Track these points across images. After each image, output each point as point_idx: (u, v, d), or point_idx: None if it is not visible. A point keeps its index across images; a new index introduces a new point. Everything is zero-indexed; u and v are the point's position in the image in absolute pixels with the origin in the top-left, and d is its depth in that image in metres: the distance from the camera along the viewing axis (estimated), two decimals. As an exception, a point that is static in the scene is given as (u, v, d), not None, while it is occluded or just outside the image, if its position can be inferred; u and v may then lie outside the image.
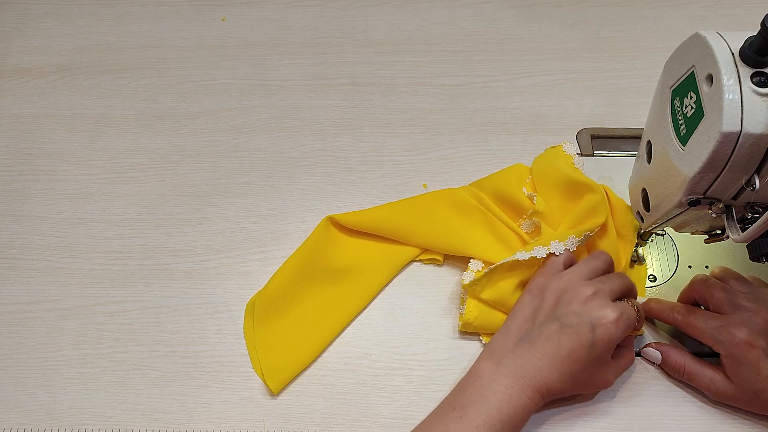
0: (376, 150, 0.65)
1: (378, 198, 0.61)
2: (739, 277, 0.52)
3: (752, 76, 0.38)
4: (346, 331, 0.56)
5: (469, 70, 0.69)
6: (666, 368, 0.52)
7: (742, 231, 0.43)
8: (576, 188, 0.56)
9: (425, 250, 0.58)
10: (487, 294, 0.53)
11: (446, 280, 0.58)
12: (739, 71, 0.38)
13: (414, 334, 0.55)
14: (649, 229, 0.53)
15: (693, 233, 0.52)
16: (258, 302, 0.56)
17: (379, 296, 0.57)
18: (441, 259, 0.58)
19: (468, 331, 0.54)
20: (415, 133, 0.65)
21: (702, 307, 0.52)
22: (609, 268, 0.53)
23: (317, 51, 0.71)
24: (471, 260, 0.55)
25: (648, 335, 0.54)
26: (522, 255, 0.52)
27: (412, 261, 0.58)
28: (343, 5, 0.74)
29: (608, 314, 0.47)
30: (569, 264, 0.53)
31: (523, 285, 0.53)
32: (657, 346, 0.52)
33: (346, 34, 0.72)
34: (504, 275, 0.53)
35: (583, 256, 0.54)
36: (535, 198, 0.56)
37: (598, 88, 0.68)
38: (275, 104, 0.68)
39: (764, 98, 0.38)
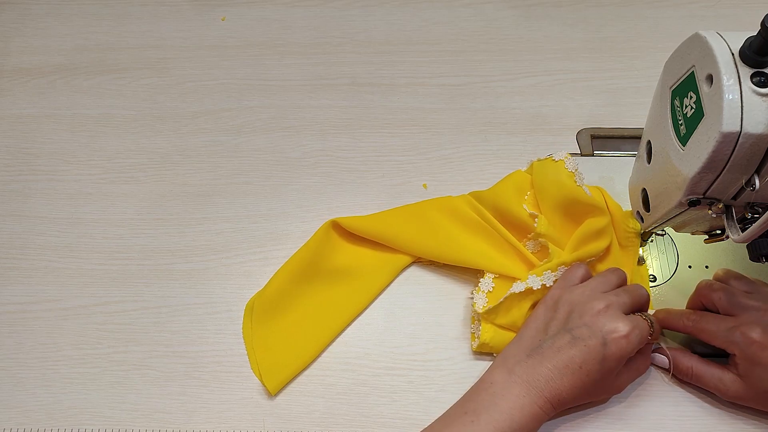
0: (376, 150, 0.65)
1: (378, 198, 0.62)
2: (742, 278, 0.52)
3: (752, 76, 0.38)
4: (346, 331, 0.56)
5: (469, 70, 0.69)
6: (674, 371, 0.52)
7: (742, 231, 0.43)
8: (580, 208, 0.55)
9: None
10: (501, 320, 0.53)
11: (446, 280, 0.58)
12: (739, 71, 0.38)
13: (414, 334, 0.55)
14: (649, 229, 0.53)
15: (693, 233, 0.52)
16: (257, 303, 0.56)
17: (379, 296, 0.57)
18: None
19: (483, 351, 0.54)
20: (415, 133, 0.65)
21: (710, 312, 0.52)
22: (622, 282, 0.52)
23: (317, 51, 0.71)
24: (480, 279, 0.55)
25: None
26: (534, 284, 0.52)
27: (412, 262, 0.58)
28: (343, 5, 0.74)
29: (619, 328, 0.47)
30: (586, 278, 0.53)
31: (534, 306, 0.53)
32: (664, 350, 0.52)
33: (346, 34, 0.72)
34: (517, 302, 0.53)
35: (597, 268, 0.55)
36: (537, 219, 0.55)
37: (598, 88, 0.68)
38: (275, 104, 0.68)
39: (764, 98, 0.38)
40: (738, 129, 0.38)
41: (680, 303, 0.55)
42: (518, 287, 0.52)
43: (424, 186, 0.62)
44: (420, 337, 0.55)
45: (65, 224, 0.61)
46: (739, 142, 0.38)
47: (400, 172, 0.63)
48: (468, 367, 0.53)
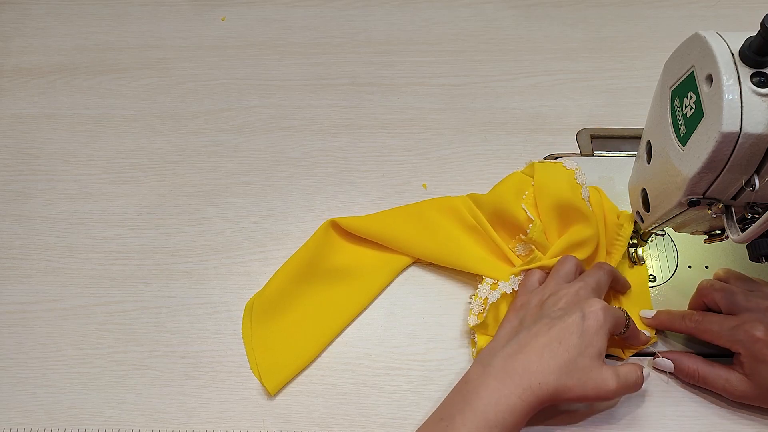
0: (375, 150, 0.65)
1: (378, 198, 0.62)
2: (743, 277, 0.52)
3: (752, 77, 0.38)
4: (346, 331, 0.56)
5: (469, 70, 0.69)
6: (679, 375, 0.52)
7: (742, 231, 0.43)
8: (572, 214, 0.55)
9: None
10: (493, 331, 0.54)
11: (446, 280, 0.58)
12: (739, 71, 0.38)
13: (414, 334, 0.55)
14: (649, 229, 0.53)
15: (693, 233, 0.52)
16: (256, 303, 0.56)
17: (379, 296, 0.57)
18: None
19: None
20: (414, 133, 0.65)
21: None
22: (579, 270, 0.53)
23: (317, 51, 0.71)
24: (479, 285, 0.55)
25: (654, 344, 0.54)
26: (506, 288, 0.54)
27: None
28: (343, 5, 0.74)
29: (595, 303, 0.47)
30: (543, 280, 0.53)
31: None
32: (667, 354, 0.52)
33: (346, 34, 0.72)
34: (500, 305, 0.54)
35: None
36: (530, 225, 0.55)
37: (598, 88, 0.68)
38: (275, 104, 0.68)
39: (764, 98, 0.38)
40: (738, 129, 0.38)
41: (680, 303, 0.55)
42: (494, 296, 0.53)
43: (424, 186, 0.62)
44: (420, 337, 0.55)
45: (65, 224, 0.61)
46: (739, 142, 0.38)
47: (400, 172, 0.63)
48: (468, 368, 0.53)
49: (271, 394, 0.53)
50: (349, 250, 0.59)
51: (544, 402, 0.45)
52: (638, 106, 0.66)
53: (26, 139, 0.67)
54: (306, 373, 0.54)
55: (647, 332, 0.53)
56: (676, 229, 0.52)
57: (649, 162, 0.49)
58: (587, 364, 0.46)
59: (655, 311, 0.54)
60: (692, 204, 0.44)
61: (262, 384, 0.53)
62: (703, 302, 0.52)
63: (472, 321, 0.54)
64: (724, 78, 0.38)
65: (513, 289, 0.54)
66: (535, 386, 0.45)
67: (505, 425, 0.44)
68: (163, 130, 0.67)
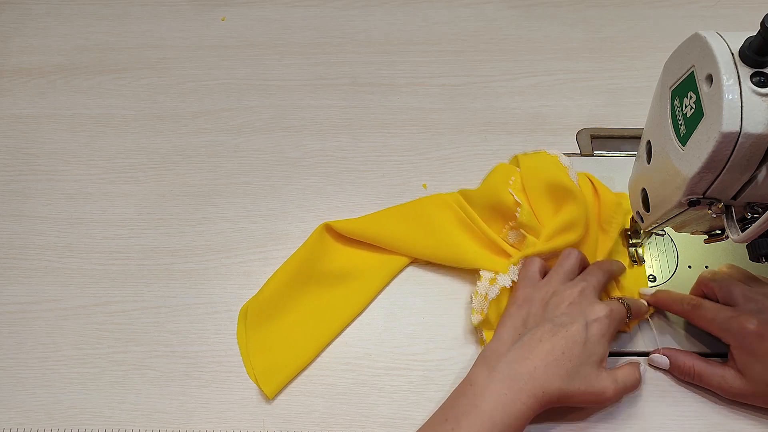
0: (375, 150, 0.65)
1: (378, 198, 0.62)
2: (746, 273, 0.53)
3: (752, 76, 0.38)
4: (346, 331, 0.56)
5: (469, 70, 0.69)
6: (675, 372, 0.52)
7: (742, 231, 0.43)
8: (561, 194, 0.55)
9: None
10: (496, 324, 0.53)
11: (446, 280, 0.58)
12: (739, 71, 0.38)
13: (414, 334, 0.55)
14: (649, 229, 0.53)
15: (693, 233, 0.52)
16: (251, 308, 0.56)
17: (379, 296, 0.57)
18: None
19: None
20: (414, 133, 0.65)
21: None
22: (583, 263, 0.53)
23: (317, 51, 0.71)
24: (473, 300, 0.55)
25: (651, 342, 0.54)
26: (506, 282, 0.54)
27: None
28: (343, 5, 0.74)
29: (598, 310, 0.48)
30: (543, 269, 0.53)
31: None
32: (664, 351, 0.52)
33: (346, 34, 0.72)
34: (501, 299, 0.54)
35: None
36: (519, 209, 0.55)
37: (598, 88, 0.68)
38: (275, 104, 0.68)
39: (764, 98, 0.38)
40: (738, 129, 0.38)
41: (680, 303, 0.55)
42: (494, 292, 0.53)
43: (424, 186, 0.62)
44: (420, 337, 0.55)
45: (65, 224, 0.61)
46: (739, 142, 0.38)
47: (399, 172, 0.63)
48: (468, 367, 0.53)
49: (270, 398, 0.53)
50: (345, 252, 0.59)
51: (545, 407, 0.47)
52: (638, 106, 0.66)
53: (26, 139, 0.67)
54: (306, 373, 0.54)
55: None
56: (676, 229, 0.52)
57: (649, 162, 0.49)
58: (588, 372, 0.47)
59: (654, 289, 0.54)
60: (692, 204, 0.44)
61: (260, 388, 0.53)
62: (702, 291, 0.52)
63: (476, 319, 0.54)
64: (724, 78, 0.38)
65: (513, 280, 0.53)
66: (539, 393, 0.46)
67: (511, 428, 0.45)
68: (163, 130, 0.67)
